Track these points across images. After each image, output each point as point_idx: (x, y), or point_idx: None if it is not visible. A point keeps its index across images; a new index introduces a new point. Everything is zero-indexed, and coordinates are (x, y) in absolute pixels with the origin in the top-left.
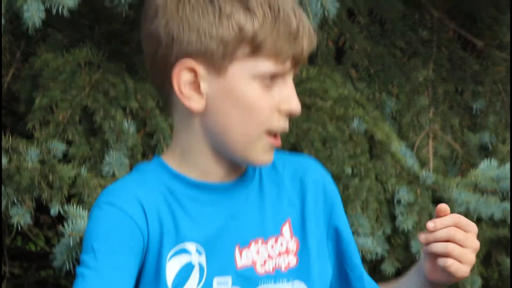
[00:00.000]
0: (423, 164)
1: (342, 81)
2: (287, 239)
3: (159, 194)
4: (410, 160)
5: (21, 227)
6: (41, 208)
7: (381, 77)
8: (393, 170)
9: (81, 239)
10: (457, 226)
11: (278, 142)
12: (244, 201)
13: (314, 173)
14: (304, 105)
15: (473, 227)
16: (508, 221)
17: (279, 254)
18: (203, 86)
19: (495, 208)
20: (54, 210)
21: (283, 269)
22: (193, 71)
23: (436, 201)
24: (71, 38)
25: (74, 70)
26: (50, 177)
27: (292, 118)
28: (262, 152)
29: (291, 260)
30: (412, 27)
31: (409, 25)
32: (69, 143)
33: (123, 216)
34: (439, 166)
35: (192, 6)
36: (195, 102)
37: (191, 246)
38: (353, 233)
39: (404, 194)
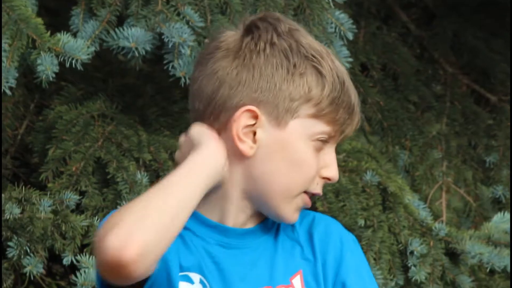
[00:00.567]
0: (436, 216)
1: (355, 134)
2: None
3: None
4: (423, 213)
5: (33, 277)
6: (53, 257)
7: (394, 130)
8: (406, 222)
9: None
10: None
11: (309, 203)
12: (255, 249)
13: (326, 231)
14: None
15: None
16: None
17: None
18: (259, 133)
19: (508, 260)
20: (67, 260)
21: None
22: (255, 117)
23: (449, 253)
24: (85, 90)
25: (87, 122)
26: (63, 227)
27: None
28: (293, 210)
29: None
30: (426, 82)
31: (423, 79)
32: (82, 194)
33: None
34: (452, 219)
35: (267, 57)
36: (247, 147)
37: (195, 276)
38: None
39: (417, 245)
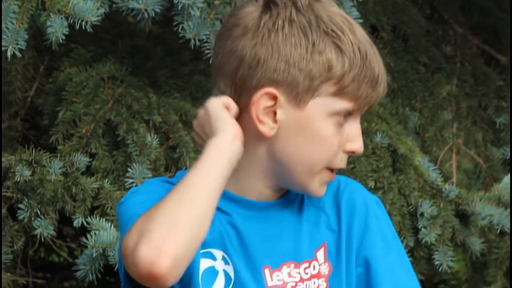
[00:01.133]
0: (446, 178)
1: None
2: (320, 263)
3: None
4: (433, 174)
5: (44, 239)
6: (64, 220)
7: (404, 92)
8: (416, 183)
9: (104, 251)
10: None
11: (333, 177)
12: (279, 222)
13: (352, 199)
14: None
15: None
16: None
17: (311, 277)
18: (279, 114)
19: None
20: (77, 222)
21: None
22: (274, 99)
23: (459, 214)
24: (95, 52)
25: (97, 84)
26: (73, 189)
27: None
28: (319, 186)
29: (321, 284)
30: (436, 43)
31: (433, 40)
32: (92, 156)
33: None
34: (462, 180)
35: (285, 35)
36: (268, 128)
37: (217, 253)
38: None
39: (427, 207)
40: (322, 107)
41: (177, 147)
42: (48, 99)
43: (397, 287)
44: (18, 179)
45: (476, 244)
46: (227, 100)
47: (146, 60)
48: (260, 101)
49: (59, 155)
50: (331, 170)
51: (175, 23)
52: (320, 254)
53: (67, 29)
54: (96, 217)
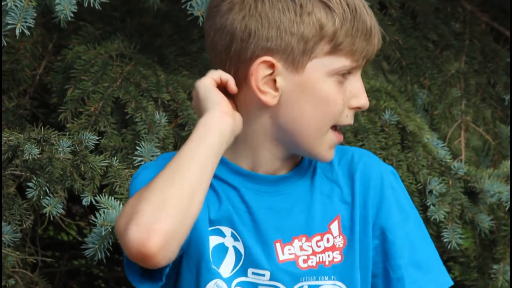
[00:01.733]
0: (455, 155)
1: (374, 73)
2: (335, 236)
3: None
4: (442, 151)
5: (53, 217)
6: (73, 198)
7: (413, 69)
8: (424, 161)
9: (113, 229)
10: None
11: (341, 138)
12: (290, 195)
13: (367, 170)
14: None
15: None
16: None
17: (324, 250)
18: (279, 81)
19: None
20: (86, 200)
21: (327, 263)
22: (272, 66)
23: (468, 191)
24: (103, 30)
25: (105, 62)
26: (82, 167)
27: None
28: (328, 149)
29: (336, 256)
30: (445, 20)
31: (442, 18)
32: (100, 134)
33: None
34: (471, 158)
35: (272, 2)
36: (270, 97)
37: (226, 230)
38: None
39: (435, 184)
40: (321, 67)
41: (186, 125)
42: (57, 77)
43: (414, 257)
44: (27, 158)
45: (485, 221)
46: (217, 75)
47: (154, 38)
48: (258, 71)
49: (67, 133)
50: (337, 130)
51: (183, 1)
52: (334, 226)
53: (76, 7)
54: (104, 195)
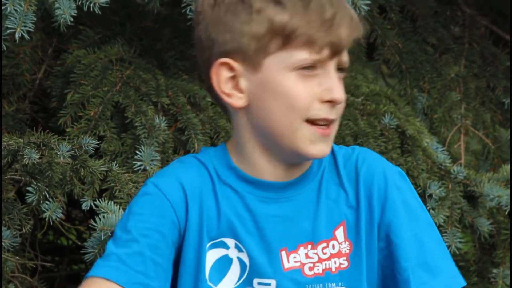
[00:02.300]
0: (454, 159)
1: (374, 77)
2: (340, 242)
3: (208, 183)
4: (441, 155)
5: (52, 222)
6: (72, 202)
7: (412, 73)
8: (424, 165)
9: (112, 233)
10: None
11: (326, 131)
12: (296, 202)
13: (370, 172)
14: None
15: None
16: None
17: (330, 256)
18: (242, 82)
19: None
20: (86, 204)
21: (333, 269)
22: (231, 69)
23: (468, 195)
24: (103, 34)
25: (105, 67)
26: (82, 172)
27: None
28: (309, 143)
29: (343, 262)
30: (444, 24)
31: (441, 21)
32: (100, 138)
33: (163, 200)
34: (470, 161)
35: (226, 8)
36: (236, 99)
37: (229, 241)
38: None
39: (435, 188)
40: (278, 63)
41: (186, 129)
42: (57, 81)
43: (423, 258)
44: (27, 162)
45: (485, 225)
46: None
47: (154, 42)
48: (219, 74)
49: (67, 137)
50: (323, 125)
51: (183, 5)
52: (340, 232)
53: (75, 11)
54: (104, 199)
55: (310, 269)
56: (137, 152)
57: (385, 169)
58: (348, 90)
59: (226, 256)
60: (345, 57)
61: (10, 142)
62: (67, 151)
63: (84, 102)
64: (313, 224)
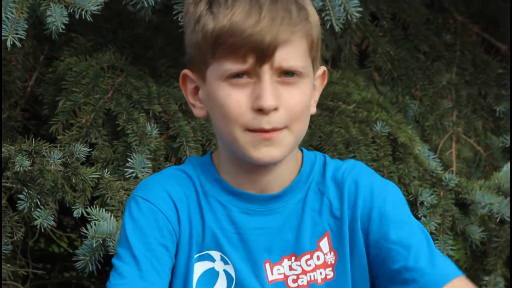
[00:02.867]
0: (446, 166)
1: (365, 84)
2: (325, 253)
3: (193, 195)
4: (433, 163)
5: (44, 229)
6: (64, 210)
7: (404, 80)
8: (416, 172)
9: (104, 241)
10: None
11: (266, 135)
12: (281, 214)
13: (356, 183)
14: (327, 108)
15: None
16: None
17: (316, 267)
18: (200, 93)
19: None
20: (77, 212)
21: (319, 281)
22: (191, 80)
23: (459, 203)
24: (94, 42)
25: (97, 74)
26: (73, 179)
27: (315, 121)
28: (252, 149)
29: (329, 273)
30: (436, 31)
31: (433, 29)
32: (92, 146)
33: (156, 213)
34: (462, 169)
35: (187, 22)
36: (198, 110)
37: (215, 254)
38: None
39: (427, 196)
40: (213, 73)
41: (177, 137)
42: (48, 88)
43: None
44: (18, 169)
45: (476, 233)
46: None
47: (146, 49)
48: (185, 85)
49: (59, 145)
50: (256, 132)
51: (175, 12)
52: (324, 243)
53: (67, 19)
54: (96, 207)
55: (294, 281)
56: (129, 159)
57: (372, 180)
58: (339, 97)
59: (212, 269)
60: (286, 61)
61: (1, 150)
62: (59, 159)
63: (76, 109)
64: (296, 236)
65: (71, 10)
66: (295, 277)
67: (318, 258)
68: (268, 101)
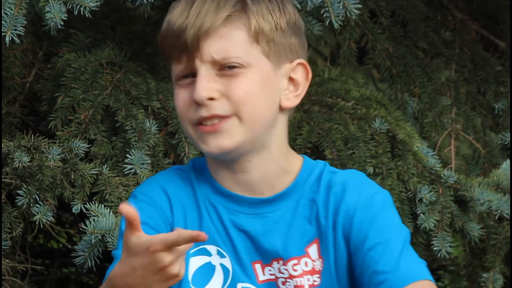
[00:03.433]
0: (445, 163)
1: (364, 81)
2: (314, 259)
3: (190, 194)
4: (432, 160)
5: (43, 225)
6: (63, 206)
7: (403, 77)
8: (414, 169)
9: (103, 237)
10: None
11: (207, 128)
12: (269, 219)
13: (343, 191)
14: (326, 105)
15: None
16: None
17: (303, 273)
18: None
19: None
20: (76, 208)
21: (306, 287)
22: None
23: (458, 200)
24: (93, 38)
25: (96, 70)
26: (72, 175)
27: (314, 118)
28: (202, 142)
29: (316, 280)
30: (435, 28)
31: (432, 26)
32: (91, 142)
33: (152, 204)
34: (461, 166)
35: None
36: None
37: (211, 248)
38: None
39: (425, 193)
40: (172, 77)
41: (176, 133)
42: (47, 85)
43: (382, 266)
44: (17, 165)
45: (475, 229)
46: None
47: (145, 45)
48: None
49: (57, 141)
50: (202, 124)
51: None
52: (313, 250)
53: (66, 15)
54: (95, 203)
55: (283, 283)
56: (128, 155)
57: (360, 190)
58: (338, 94)
59: (209, 263)
60: (217, 54)
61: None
62: (58, 155)
63: (75, 105)
64: (284, 242)
65: (70, 6)
66: (283, 279)
67: (306, 264)
68: (198, 93)
